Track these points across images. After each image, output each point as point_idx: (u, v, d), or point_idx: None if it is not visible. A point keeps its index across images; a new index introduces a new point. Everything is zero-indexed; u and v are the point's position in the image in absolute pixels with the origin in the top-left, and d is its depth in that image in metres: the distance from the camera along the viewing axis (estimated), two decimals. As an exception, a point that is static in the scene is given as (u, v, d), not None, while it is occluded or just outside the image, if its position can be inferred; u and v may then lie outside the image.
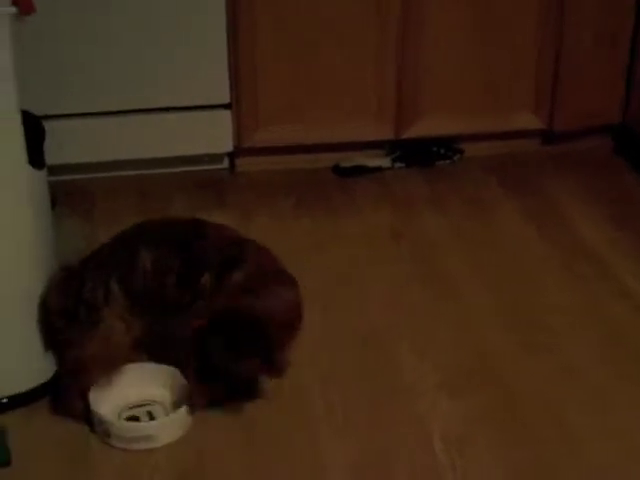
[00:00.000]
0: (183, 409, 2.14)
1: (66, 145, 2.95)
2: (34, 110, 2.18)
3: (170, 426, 2.14)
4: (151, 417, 2.20)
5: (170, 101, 3.07)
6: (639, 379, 2.34)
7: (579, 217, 3.02)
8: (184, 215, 2.76)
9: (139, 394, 2.23)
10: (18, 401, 2.23)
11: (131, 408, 2.21)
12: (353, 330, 2.51)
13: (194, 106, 3.09)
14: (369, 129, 3.21)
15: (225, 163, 3.28)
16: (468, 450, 2.12)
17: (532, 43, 3.17)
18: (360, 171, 3.25)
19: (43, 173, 2.17)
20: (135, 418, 2.19)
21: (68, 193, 2.99)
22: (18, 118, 2.00)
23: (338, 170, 3.26)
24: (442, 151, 3.33)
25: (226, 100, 3.10)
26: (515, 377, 2.35)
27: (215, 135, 3.15)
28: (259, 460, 2.10)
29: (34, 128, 2.12)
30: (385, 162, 3.30)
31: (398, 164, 3.30)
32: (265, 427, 2.18)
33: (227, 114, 3.12)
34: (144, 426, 2.16)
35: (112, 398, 2.20)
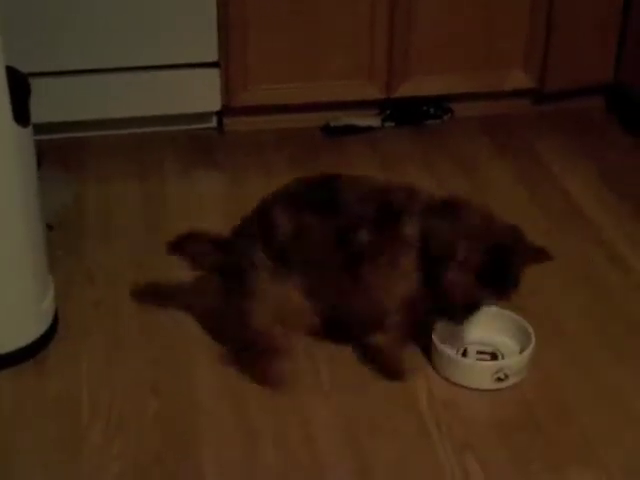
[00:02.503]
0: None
1: (53, 103, 2.93)
2: (20, 67, 2.15)
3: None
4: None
5: (158, 59, 3.04)
6: (624, 339, 2.35)
7: (569, 177, 3.01)
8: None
9: (481, 337, 2.28)
10: (3, 361, 2.22)
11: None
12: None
13: (182, 64, 3.06)
14: (359, 88, 3.19)
15: (213, 122, 3.25)
16: (453, 410, 2.13)
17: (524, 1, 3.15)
18: (350, 130, 3.23)
19: (29, 131, 2.14)
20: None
21: (57, 152, 2.97)
22: (3, 74, 1.97)
23: (328, 129, 3.24)
24: (432, 110, 3.31)
25: (214, 58, 3.07)
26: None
27: (203, 94, 3.12)
28: (248, 427, 2.10)
29: (19, 85, 2.09)
30: (375, 121, 3.28)
31: (388, 123, 3.28)
32: (253, 394, 2.18)
33: (215, 72, 3.09)
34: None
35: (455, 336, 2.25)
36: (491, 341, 2.28)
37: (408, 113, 3.30)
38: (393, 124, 3.29)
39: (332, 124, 3.24)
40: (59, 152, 3.01)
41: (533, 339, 2.20)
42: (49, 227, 2.52)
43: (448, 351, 2.20)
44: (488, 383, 2.16)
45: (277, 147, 3.16)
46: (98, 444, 2.04)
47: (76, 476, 1.98)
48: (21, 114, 2.08)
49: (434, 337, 2.21)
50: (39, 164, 2.27)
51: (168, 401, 2.15)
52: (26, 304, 2.24)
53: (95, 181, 2.96)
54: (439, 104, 3.32)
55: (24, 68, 2.18)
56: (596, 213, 2.83)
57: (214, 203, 2.94)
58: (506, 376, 2.15)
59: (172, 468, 1.99)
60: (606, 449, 2.03)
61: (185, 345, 2.31)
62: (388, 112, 3.28)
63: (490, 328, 2.28)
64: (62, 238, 2.65)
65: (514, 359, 2.21)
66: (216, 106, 3.16)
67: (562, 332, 2.37)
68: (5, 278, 2.17)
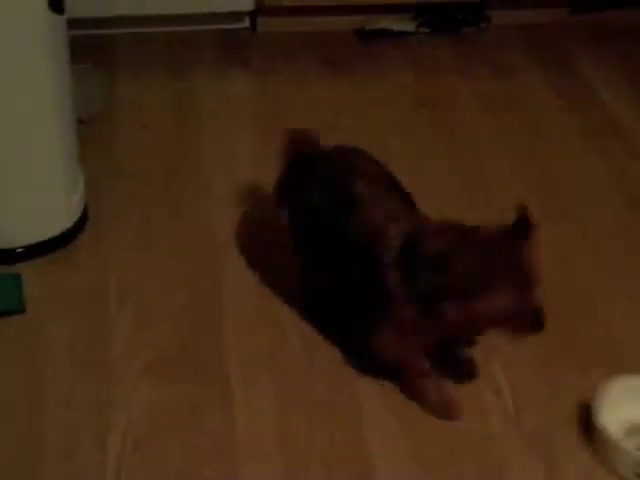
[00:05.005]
0: None
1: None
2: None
3: None
4: None
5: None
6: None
7: (603, 87, 2.97)
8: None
9: None
10: (33, 251, 2.23)
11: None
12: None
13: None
14: (394, -10, 3.14)
15: (246, 22, 3.21)
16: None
17: None
18: (384, 35, 3.18)
19: (63, 19, 2.12)
20: None
21: (88, 48, 2.94)
22: (37, -42, 1.96)
23: (361, 33, 3.19)
24: (468, 18, 3.26)
25: (249, -45, 3.03)
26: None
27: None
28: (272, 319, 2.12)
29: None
30: (409, 26, 3.23)
31: (423, 29, 3.23)
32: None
33: (249, -30, 3.05)
34: None
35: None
36: None
37: (444, 20, 3.25)
38: (428, 30, 3.23)
39: (366, 27, 3.19)
40: (91, 49, 2.98)
41: None
42: (80, 122, 2.51)
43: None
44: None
45: (310, 50, 3.12)
46: (126, 334, 2.07)
47: (104, 365, 2.00)
48: (56, 1, 2.05)
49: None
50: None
51: (195, 293, 2.18)
52: (57, 195, 2.25)
53: (126, 78, 2.94)
54: (476, 11, 3.26)
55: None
56: (627, 120, 2.81)
57: (244, 104, 2.92)
58: None
59: (198, 358, 2.02)
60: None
61: (214, 244, 2.33)
62: (423, 18, 3.23)
63: None
64: (92, 133, 2.64)
65: None
66: (249, 5, 3.12)
67: (589, 236, 2.37)
68: (37, 167, 2.17)
